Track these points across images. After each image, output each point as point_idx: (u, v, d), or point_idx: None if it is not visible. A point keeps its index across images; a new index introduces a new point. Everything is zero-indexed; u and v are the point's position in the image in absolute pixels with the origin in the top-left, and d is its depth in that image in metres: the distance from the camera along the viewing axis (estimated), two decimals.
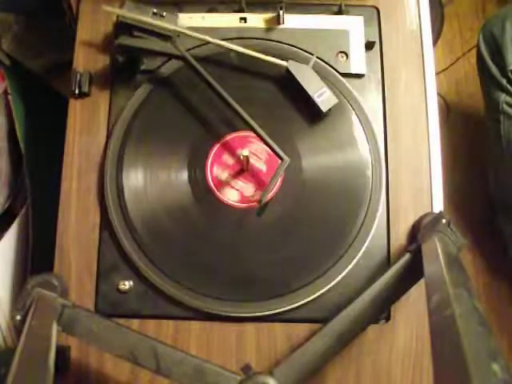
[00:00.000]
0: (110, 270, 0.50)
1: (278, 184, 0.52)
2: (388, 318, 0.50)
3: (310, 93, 0.51)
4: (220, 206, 0.51)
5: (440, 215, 0.47)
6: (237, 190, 0.52)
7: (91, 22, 0.57)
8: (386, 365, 0.49)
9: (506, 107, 0.70)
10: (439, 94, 1.01)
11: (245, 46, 0.52)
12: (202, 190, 0.52)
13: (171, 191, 0.52)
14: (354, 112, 0.54)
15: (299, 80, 0.52)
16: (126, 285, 0.50)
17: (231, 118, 0.52)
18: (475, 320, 0.29)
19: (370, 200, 0.51)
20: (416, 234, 0.50)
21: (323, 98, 0.51)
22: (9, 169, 0.64)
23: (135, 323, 0.49)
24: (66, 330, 0.41)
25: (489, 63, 0.71)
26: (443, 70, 1.04)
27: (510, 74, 0.68)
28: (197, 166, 0.52)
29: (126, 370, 0.49)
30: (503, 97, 0.70)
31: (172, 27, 0.51)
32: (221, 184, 0.52)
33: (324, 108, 0.51)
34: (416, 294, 0.49)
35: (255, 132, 0.50)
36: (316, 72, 0.52)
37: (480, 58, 0.73)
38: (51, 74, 0.85)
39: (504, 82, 0.69)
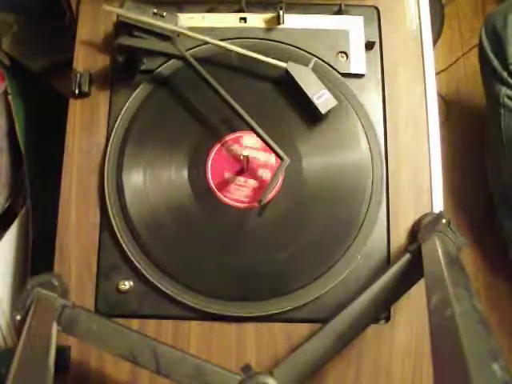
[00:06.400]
0: (109, 270, 0.50)
1: (278, 184, 0.52)
2: (388, 318, 0.50)
3: (310, 94, 0.51)
4: (220, 206, 0.51)
5: (440, 215, 0.47)
6: (237, 190, 0.52)
7: (91, 22, 0.57)
8: (386, 365, 0.49)
9: (506, 100, 0.70)
10: (439, 94, 1.00)
11: (245, 46, 0.52)
12: (202, 190, 0.52)
13: (171, 191, 0.52)
14: (354, 112, 0.54)
15: (298, 82, 0.52)
16: (126, 285, 0.50)
17: (231, 118, 0.52)
18: (475, 320, 0.29)
19: (370, 200, 0.51)
20: (416, 234, 0.50)
21: (322, 99, 0.51)
22: (9, 169, 0.64)
23: (135, 323, 0.49)
24: (66, 330, 0.41)
25: (490, 56, 0.71)
26: (443, 70, 1.04)
27: (511, 67, 0.69)
28: (197, 166, 0.52)
29: (126, 370, 0.49)
30: (504, 90, 0.70)
31: (172, 27, 0.51)
32: (221, 184, 0.52)
33: (323, 110, 0.51)
34: (416, 294, 0.48)
35: (255, 132, 0.50)
36: (316, 72, 0.52)
37: (482, 51, 0.73)
38: (51, 73, 0.85)
39: (505, 75, 0.69)
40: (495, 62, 0.70)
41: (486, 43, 0.72)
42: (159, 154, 0.53)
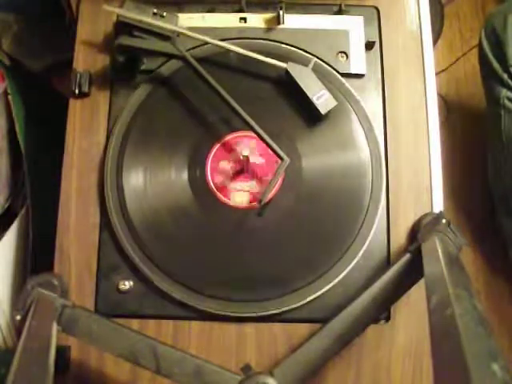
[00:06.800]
0: (110, 270, 0.50)
1: (278, 184, 0.52)
2: (388, 318, 0.50)
3: (309, 95, 0.51)
4: (220, 206, 0.51)
5: (440, 215, 0.47)
6: (237, 190, 0.52)
7: (91, 22, 0.57)
8: (386, 365, 0.49)
9: (506, 102, 0.70)
10: (439, 94, 1.00)
11: (245, 47, 0.52)
12: (201, 190, 0.52)
13: (171, 191, 0.52)
14: (354, 112, 0.54)
15: (298, 82, 0.52)
16: (126, 285, 0.50)
17: (231, 118, 0.52)
18: (475, 320, 0.29)
19: (370, 200, 0.51)
20: (416, 234, 0.50)
21: (322, 100, 0.51)
22: (9, 169, 0.64)
23: (135, 323, 0.49)
24: (66, 330, 0.42)
25: (490, 58, 0.71)
26: (443, 70, 1.04)
27: (511, 69, 0.68)
28: (197, 166, 0.52)
29: (126, 370, 0.49)
30: (504, 92, 0.70)
31: (172, 27, 0.51)
32: (221, 184, 0.52)
33: (323, 110, 0.51)
34: (416, 294, 0.48)
35: (255, 132, 0.50)
36: (316, 72, 0.52)
37: (481, 52, 0.73)
38: (51, 73, 0.85)
39: (505, 76, 0.69)
40: (495, 64, 0.70)
41: (485, 45, 0.72)
42: (159, 154, 0.53)
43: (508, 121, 0.71)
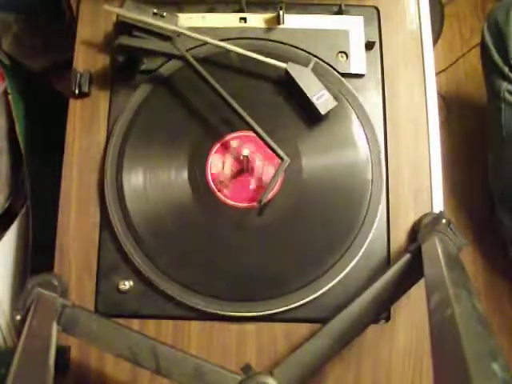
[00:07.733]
0: (110, 270, 0.50)
1: (278, 184, 0.52)
2: (388, 318, 0.50)
3: (309, 95, 0.51)
4: (220, 205, 0.51)
5: (440, 215, 0.47)
6: (237, 190, 0.52)
7: (91, 22, 0.57)
8: (386, 365, 0.49)
9: (507, 95, 0.70)
10: (439, 94, 1.00)
11: (245, 47, 0.52)
12: (202, 190, 0.52)
13: (171, 191, 0.52)
14: (354, 112, 0.54)
15: (298, 82, 0.52)
16: (126, 285, 0.50)
17: (231, 118, 0.52)
18: (475, 320, 0.29)
19: (370, 200, 0.51)
20: (416, 234, 0.50)
21: (322, 100, 0.51)
22: (9, 169, 0.64)
23: (135, 323, 0.49)
24: (66, 330, 0.42)
25: (492, 51, 0.71)
26: (443, 70, 1.04)
27: None
28: (197, 166, 0.52)
29: (126, 370, 0.49)
30: (505, 85, 0.70)
31: (172, 27, 0.51)
32: (221, 184, 0.52)
33: (323, 110, 0.51)
34: (416, 294, 0.48)
35: (255, 132, 0.50)
36: (316, 72, 0.52)
37: (484, 45, 0.73)
38: (51, 73, 0.85)
39: (506, 70, 0.69)
40: (496, 57, 0.70)
41: (487, 38, 0.72)
42: (159, 153, 0.53)
43: (508, 114, 0.71)
